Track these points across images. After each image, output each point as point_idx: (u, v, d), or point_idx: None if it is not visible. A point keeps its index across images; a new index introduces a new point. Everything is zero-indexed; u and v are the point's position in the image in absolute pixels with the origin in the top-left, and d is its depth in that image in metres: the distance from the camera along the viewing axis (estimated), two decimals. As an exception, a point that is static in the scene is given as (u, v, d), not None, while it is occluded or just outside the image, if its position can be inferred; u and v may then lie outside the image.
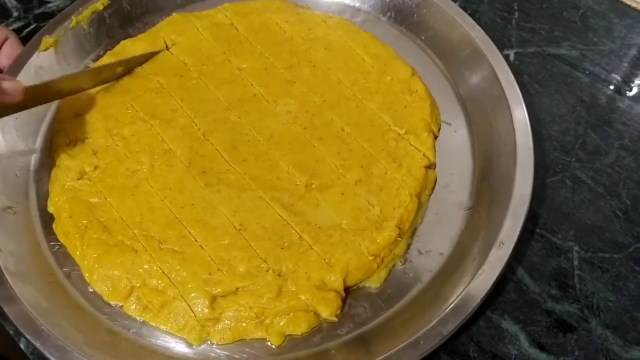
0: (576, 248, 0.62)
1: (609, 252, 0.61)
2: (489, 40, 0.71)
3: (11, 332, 0.56)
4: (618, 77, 0.75)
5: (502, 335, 0.56)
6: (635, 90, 0.74)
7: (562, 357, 0.55)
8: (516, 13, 0.82)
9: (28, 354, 0.56)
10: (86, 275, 0.59)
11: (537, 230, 0.63)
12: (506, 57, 0.70)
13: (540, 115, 0.71)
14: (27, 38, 0.74)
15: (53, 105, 0.71)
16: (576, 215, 0.64)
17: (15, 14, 0.83)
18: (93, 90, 0.70)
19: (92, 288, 0.59)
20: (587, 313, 0.58)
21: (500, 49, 0.71)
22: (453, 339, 0.56)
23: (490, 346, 0.56)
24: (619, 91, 0.74)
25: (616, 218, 0.63)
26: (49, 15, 0.78)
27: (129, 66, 0.72)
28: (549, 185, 0.66)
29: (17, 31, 0.80)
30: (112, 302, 0.58)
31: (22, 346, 0.56)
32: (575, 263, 0.61)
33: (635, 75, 0.75)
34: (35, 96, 0.60)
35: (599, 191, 0.65)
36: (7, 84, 0.56)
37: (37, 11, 0.84)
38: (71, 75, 0.66)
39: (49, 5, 0.84)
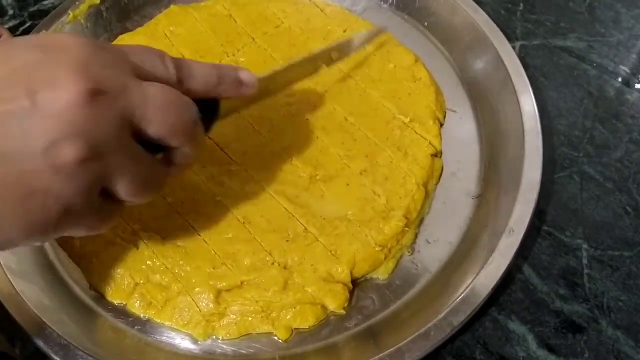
0: (585, 246, 0.60)
1: (619, 249, 0.60)
2: (493, 24, 0.71)
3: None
4: (626, 69, 0.74)
5: (509, 337, 0.55)
6: (644, 82, 0.73)
7: (571, 358, 0.54)
8: (521, 4, 0.81)
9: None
10: (87, 276, 0.58)
11: (545, 227, 0.62)
12: (511, 50, 0.69)
13: (546, 108, 0.70)
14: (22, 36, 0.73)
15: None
16: (585, 212, 0.62)
17: (10, 12, 0.82)
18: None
19: (94, 287, 0.58)
20: (597, 313, 0.56)
21: (505, 41, 0.70)
22: (458, 335, 0.55)
23: (497, 348, 0.55)
24: (628, 83, 0.72)
25: (626, 214, 0.62)
26: (44, 13, 0.77)
27: (344, 51, 0.69)
28: (556, 181, 0.65)
29: (12, 29, 0.79)
30: (116, 301, 0.57)
31: (17, 351, 0.54)
32: (585, 261, 0.59)
33: (644, 67, 0.74)
34: (260, 89, 0.56)
35: (608, 187, 0.64)
36: (244, 74, 0.52)
37: (32, 9, 0.82)
38: (289, 66, 0.62)
39: (44, 2, 0.83)
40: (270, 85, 0.60)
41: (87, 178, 0.39)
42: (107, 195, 0.43)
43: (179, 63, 0.46)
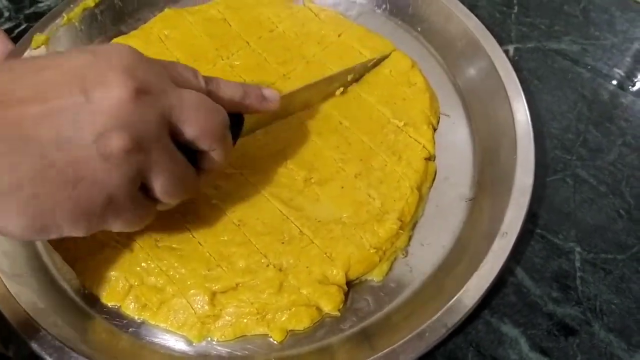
0: (578, 249, 0.60)
1: (612, 253, 0.60)
2: (486, 30, 0.71)
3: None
4: (620, 72, 0.74)
5: (502, 340, 0.55)
6: (638, 85, 0.73)
7: (563, 361, 0.54)
8: (515, 7, 0.81)
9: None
10: (81, 278, 0.58)
11: (537, 230, 0.62)
12: (505, 53, 0.69)
13: (540, 112, 0.70)
14: (18, 38, 0.73)
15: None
16: (578, 215, 0.63)
17: (6, 14, 0.82)
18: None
19: (88, 290, 0.58)
20: (590, 316, 0.57)
21: (499, 44, 0.70)
22: (451, 338, 0.55)
23: (490, 350, 0.55)
24: (622, 86, 0.73)
25: (619, 217, 0.62)
26: (40, 15, 0.76)
27: (358, 73, 0.71)
28: (549, 184, 0.65)
29: (8, 31, 0.79)
30: (110, 303, 0.57)
31: (11, 353, 0.54)
32: (577, 264, 0.60)
33: (638, 70, 0.74)
34: (281, 107, 0.59)
35: (601, 190, 0.64)
36: (268, 91, 0.56)
37: (27, 11, 0.83)
38: (307, 86, 0.65)
39: (40, 5, 0.83)
40: (290, 104, 0.63)
41: (130, 168, 0.43)
42: (145, 193, 0.47)
43: (209, 78, 0.51)
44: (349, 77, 0.69)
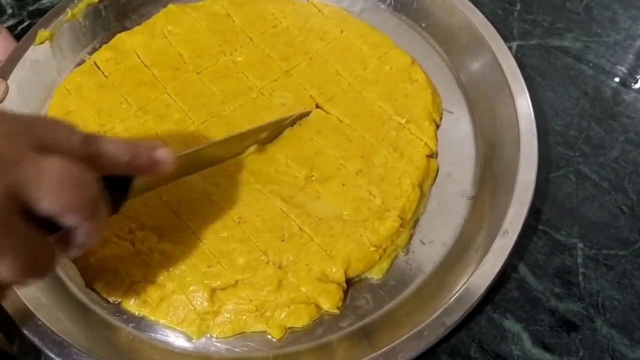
0: (580, 245, 0.60)
1: (614, 249, 0.60)
2: (490, 26, 0.71)
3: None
4: (623, 69, 0.74)
5: (504, 335, 0.55)
6: (640, 82, 0.73)
7: (566, 357, 0.54)
8: (518, 4, 0.81)
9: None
10: (83, 274, 0.58)
11: (540, 226, 0.62)
12: (508, 50, 0.69)
13: (543, 108, 0.70)
14: (21, 35, 0.73)
15: (46, 102, 0.70)
16: (580, 211, 0.63)
17: (10, 11, 0.83)
18: (87, 85, 0.69)
19: (89, 285, 0.58)
20: (592, 312, 0.56)
21: (502, 41, 0.70)
22: (453, 334, 0.55)
23: (493, 346, 0.55)
24: (624, 83, 0.72)
25: (622, 214, 0.62)
26: (43, 12, 0.76)
27: (275, 130, 0.66)
28: (552, 180, 0.65)
29: (11, 28, 0.79)
30: (111, 299, 0.57)
31: (14, 348, 0.54)
32: (580, 260, 0.59)
33: (641, 67, 0.74)
34: (180, 167, 0.53)
35: (603, 186, 0.64)
36: (161, 152, 0.48)
37: (31, 8, 0.83)
38: (212, 144, 0.61)
39: (43, 1, 0.83)
40: (192, 163, 0.58)
41: None
42: None
43: (89, 139, 0.44)
44: (263, 135, 0.65)
